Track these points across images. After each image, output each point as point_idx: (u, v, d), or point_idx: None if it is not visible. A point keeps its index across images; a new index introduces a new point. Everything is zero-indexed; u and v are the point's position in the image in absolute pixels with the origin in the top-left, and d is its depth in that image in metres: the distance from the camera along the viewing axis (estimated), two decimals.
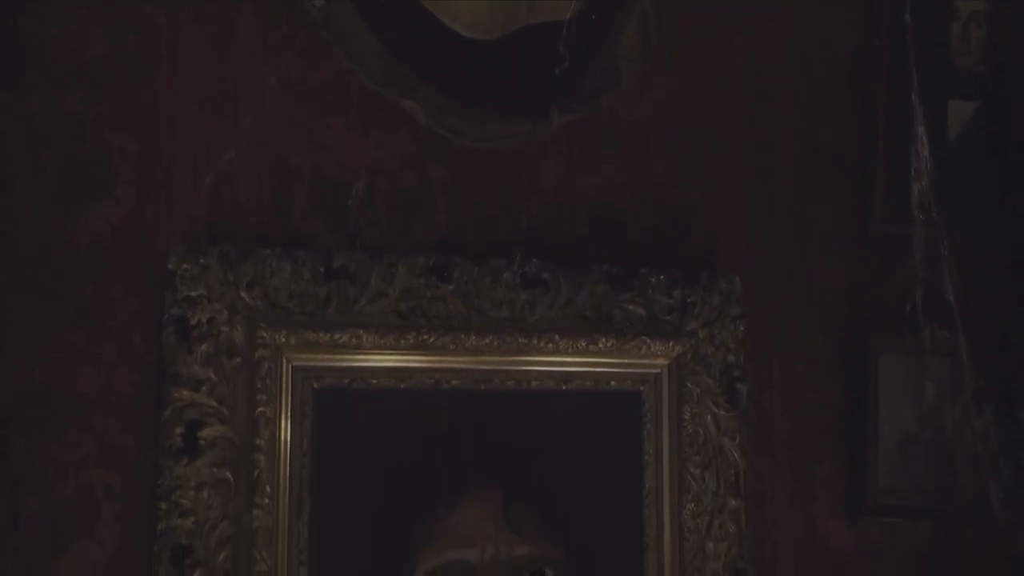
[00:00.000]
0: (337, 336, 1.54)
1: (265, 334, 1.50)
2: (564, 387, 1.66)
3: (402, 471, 1.58)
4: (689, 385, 1.70)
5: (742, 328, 1.74)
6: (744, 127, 1.80)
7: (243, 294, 1.50)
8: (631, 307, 1.69)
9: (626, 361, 1.68)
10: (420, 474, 1.59)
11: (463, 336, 1.60)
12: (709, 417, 1.71)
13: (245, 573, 1.46)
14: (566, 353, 1.65)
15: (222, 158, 1.51)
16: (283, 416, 1.51)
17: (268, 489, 1.49)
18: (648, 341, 1.69)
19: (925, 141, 1.61)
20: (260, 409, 1.49)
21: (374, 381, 1.57)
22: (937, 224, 1.63)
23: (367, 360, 1.57)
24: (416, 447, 1.59)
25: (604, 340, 1.66)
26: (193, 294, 1.48)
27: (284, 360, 1.52)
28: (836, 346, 1.83)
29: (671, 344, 1.70)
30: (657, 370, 1.70)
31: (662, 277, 1.70)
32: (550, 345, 1.64)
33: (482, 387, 1.63)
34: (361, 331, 1.55)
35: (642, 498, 1.68)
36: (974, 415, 1.71)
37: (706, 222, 1.77)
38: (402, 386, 1.59)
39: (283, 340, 1.51)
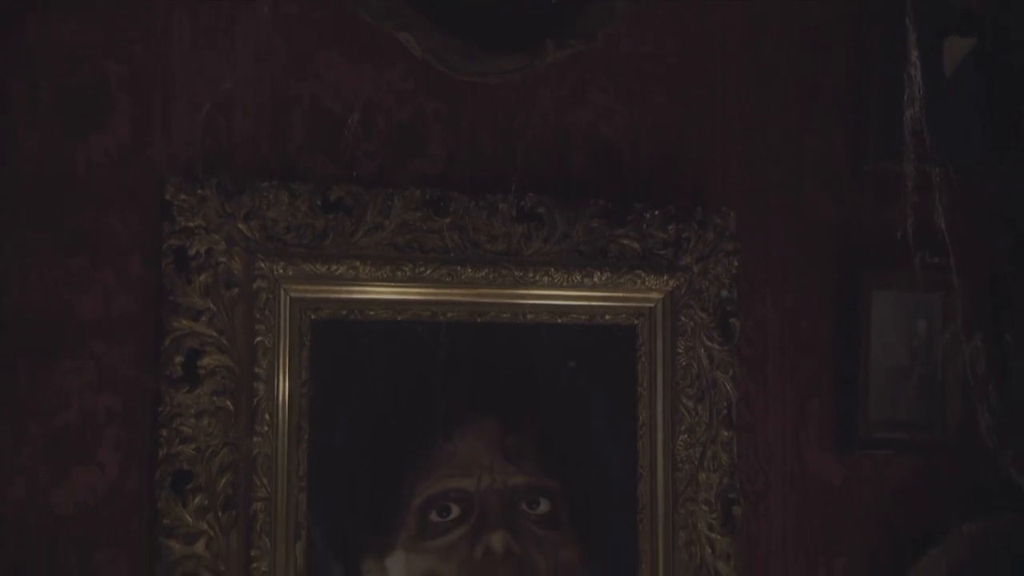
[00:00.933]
0: (334, 268, 1.55)
1: (263, 265, 1.52)
2: (559, 320, 1.68)
3: (400, 402, 1.60)
4: (683, 319, 1.72)
5: (736, 263, 1.75)
6: (741, 63, 1.80)
7: (241, 225, 1.51)
8: (626, 242, 1.71)
9: (621, 295, 1.70)
10: (418, 405, 1.61)
11: (459, 269, 1.61)
12: (702, 350, 1.73)
13: (245, 499, 1.49)
14: (561, 287, 1.67)
15: (218, 88, 1.51)
16: (281, 346, 1.53)
17: (267, 417, 1.51)
18: (643, 275, 1.70)
19: (918, 65, 1.61)
20: (259, 339, 1.51)
21: (371, 313, 1.59)
22: (929, 151, 1.63)
23: (364, 292, 1.58)
24: (413, 379, 1.61)
25: (599, 274, 1.68)
26: (191, 224, 1.48)
27: (282, 291, 1.53)
28: (829, 282, 1.85)
29: (665, 278, 1.71)
30: (651, 304, 1.72)
31: (657, 212, 1.72)
32: (545, 278, 1.66)
33: (478, 320, 1.64)
34: (358, 263, 1.56)
35: (636, 429, 1.70)
36: (964, 340, 1.72)
37: (702, 157, 1.78)
38: (399, 318, 1.60)
39: (281, 271, 1.53)
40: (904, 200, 1.63)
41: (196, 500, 1.47)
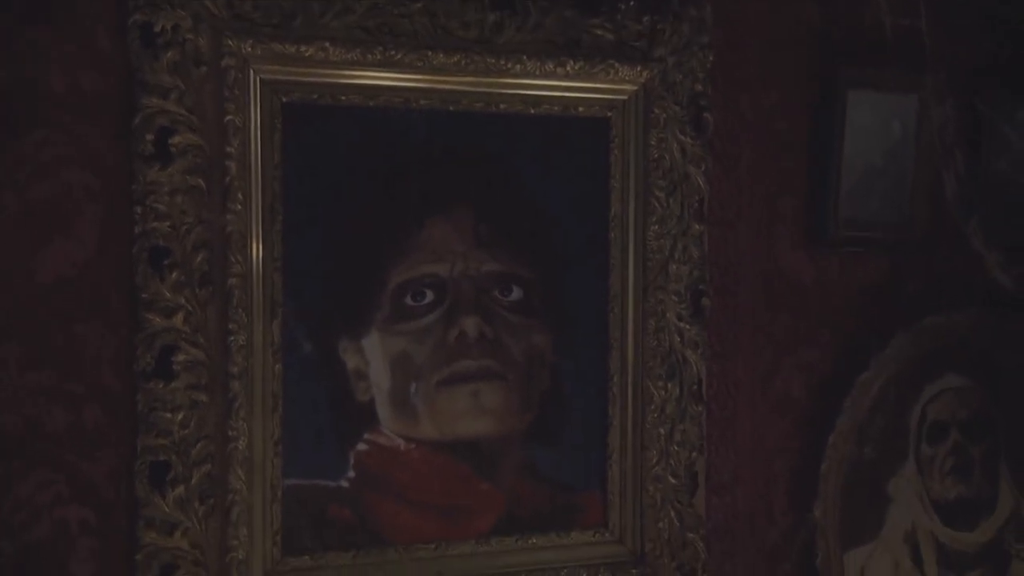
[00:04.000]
0: (303, 48, 1.54)
1: (231, 43, 1.51)
2: (533, 111, 1.68)
3: (374, 188, 1.62)
4: (656, 111, 1.72)
5: (711, 57, 1.74)
6: None
7: (207, 2, 1.49)
8: (600, 32, 1.69)
9: (594, 86, 1.70)
10: (391, 191, 1.62)
11: (430, 54, 1.61)
12: (675, 144, 1.74)
13: (221, 275, 1.52)
14: (534, 76, 1.66)
15: None
16: (252, 127, 1.53)
17: (240, 196, 1.53)
18: (616, 66, 1.70)
19: None
20: (229, 118, 1.51)
21: (343, 98, 1.59)
22: None
23: (336, 77, 1.58)
24: (387, 165, 1.62)
25: (572, 63, 1.67)
26: None
27: (251, 71, 1.53)
28: (806, 79, 1.84)
29: (639, 69, 1.71)
30: (624, 96, 1.72)
31: (632, 3, 1.70)
32: (518, 67, 1.65)
33: (451, 108, 1.64)
34: (328, 44, 1.55)
35: (608, 220, 1.73)
36: (935, 106, 1.71)
37: None
38: (371, 104, 1.60)
39: (249, 50, 1.52)
40: None
41: (173, 275, 1.50)
